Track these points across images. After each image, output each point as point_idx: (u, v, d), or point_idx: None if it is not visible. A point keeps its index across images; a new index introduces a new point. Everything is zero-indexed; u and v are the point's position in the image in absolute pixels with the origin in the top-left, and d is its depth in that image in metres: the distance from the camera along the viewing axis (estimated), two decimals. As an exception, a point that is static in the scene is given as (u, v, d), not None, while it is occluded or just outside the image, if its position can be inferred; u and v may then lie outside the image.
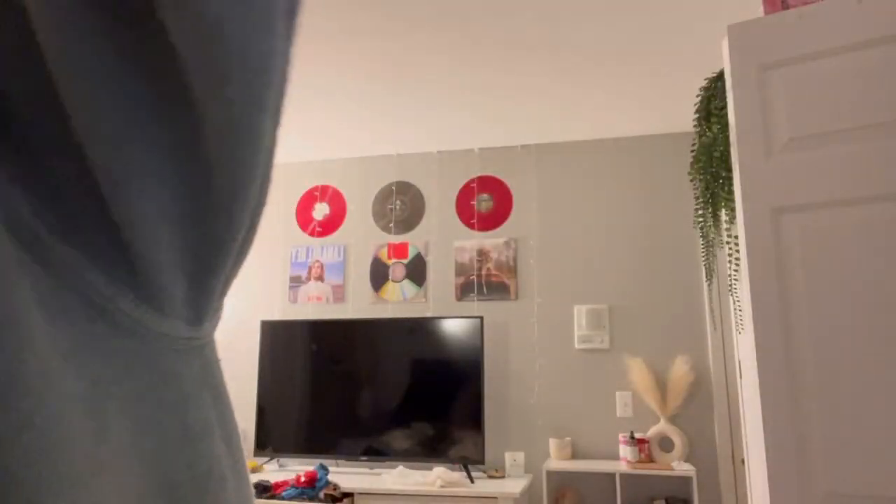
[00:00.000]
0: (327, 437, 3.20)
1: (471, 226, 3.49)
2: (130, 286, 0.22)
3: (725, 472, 2.96)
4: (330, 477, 2.92)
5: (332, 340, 3.30)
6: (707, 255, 2.10)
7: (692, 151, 2.02)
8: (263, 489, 2.86)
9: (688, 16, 2.27)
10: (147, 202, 0.21)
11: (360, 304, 3.55)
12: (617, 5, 2.20)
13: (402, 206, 3.60)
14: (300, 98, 2.92)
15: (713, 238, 2.05)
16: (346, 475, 3.09)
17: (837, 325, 1.32)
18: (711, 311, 3.09)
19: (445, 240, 3.51)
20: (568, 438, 3.11)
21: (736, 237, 1.76)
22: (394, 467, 3.11)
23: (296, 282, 3.65)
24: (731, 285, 1.82)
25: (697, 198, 2.02)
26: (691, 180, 2.02)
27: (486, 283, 3.40)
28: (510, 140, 3.46)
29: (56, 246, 0.20)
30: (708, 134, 1.95)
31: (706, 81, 2.03)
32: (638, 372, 3.09)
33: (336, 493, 2.83)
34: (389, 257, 3.56)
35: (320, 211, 3.71)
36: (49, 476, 0.17)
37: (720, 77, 1.95)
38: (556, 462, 3.02)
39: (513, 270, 3.38)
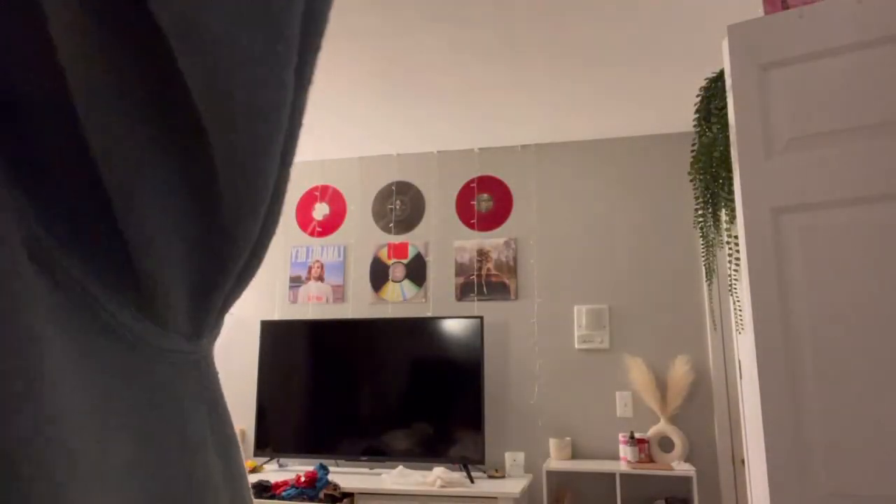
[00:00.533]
0: (327, 437, 3.20)
1: (471, 226, 3.49)
2: (133, 301, 0.22)
3: (725, 472, 2.96)
4: (330, 477, 2.92)
5: (332, 340, 3.30)
6: (707, 255, 2.10)
7: (692, 151, 2.02)
8: (263, 489, 2.86)
9: (688, 16, 2.27)
10: (158, 222, 0.21)
11: (360, 304, 3.55)
12: (617, 5, 2.20)
13: (402, 206, 3.60)
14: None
15: (713, 238, 2.05)
16: (346, 475, 3.09)
17: (837, 325, 1.32)
18: (711, 311, 3.09)
19: (445, 240, 3.51)
20: (568, 438, 3.11)
21: (736, 237, 1.76)
22: (394, 467, 3.11)
23: (296, 282, 3.65)
24: (731, 285, 1.82)
25: (697, 198, 2.03)
26: (691, 180, 2.03)
27: (486, 283, 3.40)
28: (510, 140, 3.46)
29: (64, 259, 0.20)
30: (708, 134, 1.95)
31: (706, 81, 2.03)
32: (638, 372, 3.09)
33: (336, 493, 2.83)
34: (389, 257, 3.56)
35: (320, 211, 3.71)
36: (57, 490, 0.17)
37: (720, 77, 1.95)
38: (556, 462, 3.02)
39: (513, 270, 3.38)
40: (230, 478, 0.27)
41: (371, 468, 3.27)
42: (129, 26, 0.18)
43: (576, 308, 3.27)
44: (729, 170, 1.86)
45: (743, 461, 2.87)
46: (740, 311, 1.67)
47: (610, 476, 3.00)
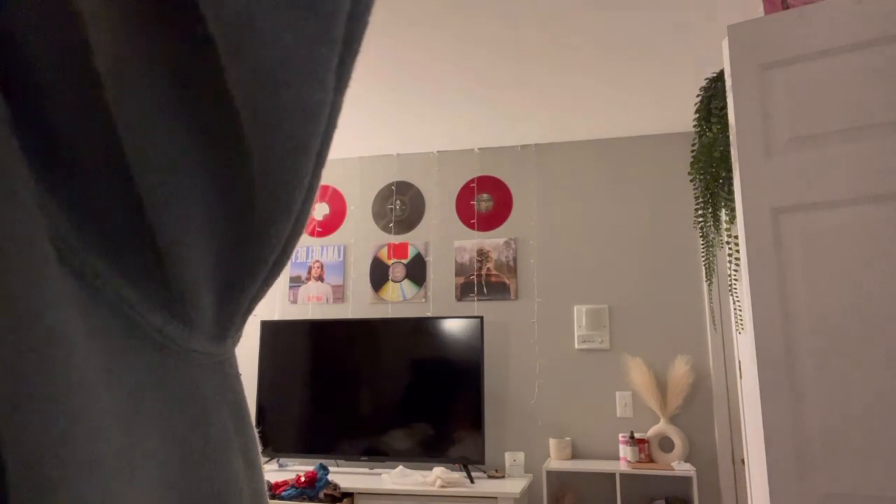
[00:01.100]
0: (327, 437, 3.20)
1: (471, 226, 3.49)
2: (162, 302, 0.22)
3: (725, 472, 2.96)
4: (330, 477, 2.92)
5: (333, 340, 3.30)
6: (707, 255, 2.10)
7: (692, 151, 2.02)
8: (263, 489, 2.86)
9: (688, 16, 2.27)
10: (190, 224, 0.21)
11: (360, 304, 3.55)
12: (617, 5, 2.20)
13: (402, 206, 3.60)
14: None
15: (713, 238, 2.05)
16: (346, 475, 3.09)
17: (837, 325, 1.32)
18: (711, 311, 3.09)
19: (445, 240, 3.51)
20: (568, 438, 3.11)
21: (736, 237, 1.76)
22: (394, 467, 3.11)
23: (296, 282, 3.65)
24: (731, 285, 1.82)
25: (697, 198, 2.02)
26: (691, 180, 2.03)
27: (486, 283, 3.40)
28: (510, 140, 3.46)
29: (94, 261, 0.21)
30: (708, 134, 1.95)
31: (706, 81, 2.03)
32: (638, 372, 3.09)
33: (336, 493, 2.83)
34: (389, 257, 3.56)
35: (320, 211, 3.71)
36: (85, 492, 0.17)
37: (720, 77, 1.95)
38: (556, 462, 3.02)
39: (513, 270, 3.38)
40: (251, 479, 0.27)
41: (371, 468, 3.27)
42: (170, 26, 0.19)
43: (576, 308, 3.27)
44: (729, 170, 1.86)
45: (743, 461, 2.87)
46: (740, 311, 1.67)
47: (610, 476, 3.00)
